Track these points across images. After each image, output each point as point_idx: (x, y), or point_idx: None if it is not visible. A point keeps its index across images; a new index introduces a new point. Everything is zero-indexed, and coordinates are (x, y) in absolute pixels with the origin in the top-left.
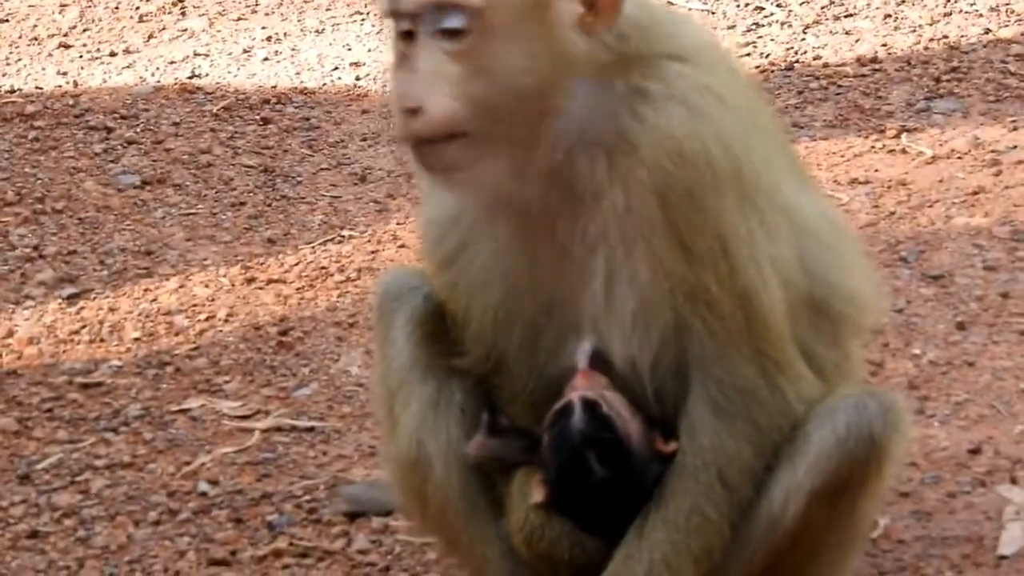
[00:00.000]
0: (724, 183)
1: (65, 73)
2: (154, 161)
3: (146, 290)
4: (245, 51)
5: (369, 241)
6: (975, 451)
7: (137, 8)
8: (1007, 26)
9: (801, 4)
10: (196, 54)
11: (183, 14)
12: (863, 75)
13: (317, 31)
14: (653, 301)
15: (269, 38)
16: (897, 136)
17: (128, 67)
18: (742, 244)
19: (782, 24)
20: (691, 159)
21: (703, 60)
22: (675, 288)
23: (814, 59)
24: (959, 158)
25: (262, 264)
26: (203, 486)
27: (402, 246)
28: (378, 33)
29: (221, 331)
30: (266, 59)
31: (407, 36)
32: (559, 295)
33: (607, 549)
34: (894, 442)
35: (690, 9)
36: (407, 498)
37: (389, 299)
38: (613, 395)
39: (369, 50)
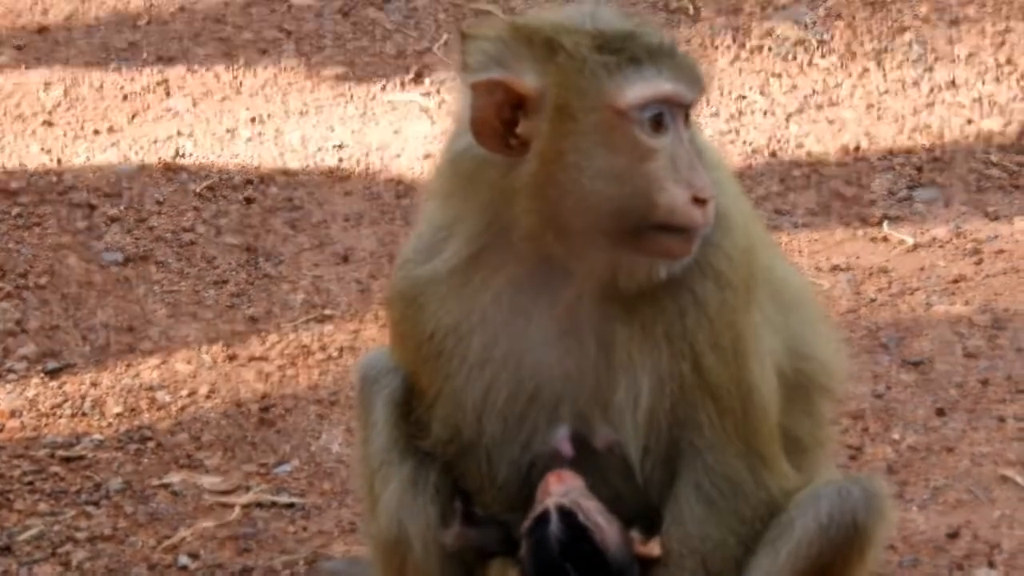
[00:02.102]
0: (747, 278)
1: (49, 151)
2: (137, 239)
3: (128, 366)
4: (229, 131)
5: (351, 320)
6: (953, 535)
7: (121, 87)
8: (989, 117)
9: (784, 93)
10: (180, 133)
11: (167, 94)
12: (845, 164)
13: (301, 112)
14: (665, 388)
15: (253, 119)
16: (879, 224)
17: (112, 145)
18: (750, 341)
19: (765, 112)
20: (738, 256)
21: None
22: (691, 379)
23: (797, 147)
24: (940, 247)
25: (244, 342)
26: (183, 559)
27: (384, 326)
28: (361, 115)
29: (203, 407)
30: (250, 139)
31: (657, 126)
32: (551, 379)
33: None
34: (877, 528)
35: None
36: None
37: (369, 380)
38: (589, 502)
39: (352, 132)
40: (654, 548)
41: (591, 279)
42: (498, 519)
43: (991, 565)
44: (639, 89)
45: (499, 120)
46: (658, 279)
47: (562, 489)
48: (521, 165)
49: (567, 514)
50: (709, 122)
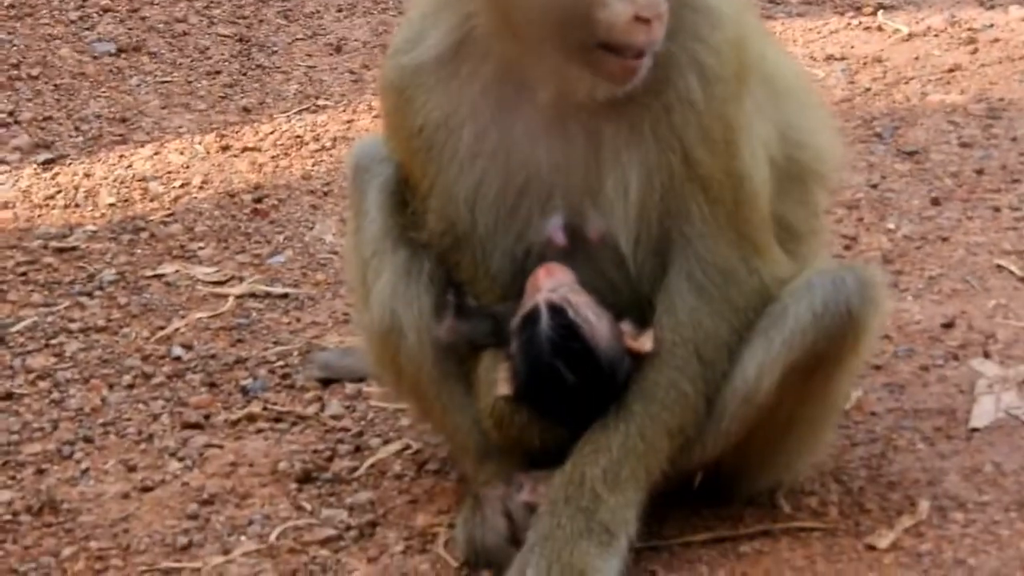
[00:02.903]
0: (737, 70)
1: None
2: (129, 29)
3: (121, 156)
4: None
5: (344, 111)
6: (948, 325)
7: None
8: None
9: None
10: None
11: None
12: None
13: None
14: (654, 181)
15: None
16: (873, 13)
17: None
18: (742, 131)
19: None
20: (728, 49)
21: None
22: (680, 171)
23: None
24: (935, 36)
25: (237, 132)
26: (177, 350)
27: (377, 116)
28: None
29: (196, 198)
30: None
31: None
32: (540, 172)
33: (577, 434)
34: (871, 317)
35: None
36: (380, 366)
37: (362, 169)
38: (579, 297)
39: None
40: (645, 343)
41: (551, 88)
42: (490, 311)
43: (986, 355)
44: None
45: None
46: (612, 97)
47: (552, 283)
48: None
49: (557, 311)
50: None
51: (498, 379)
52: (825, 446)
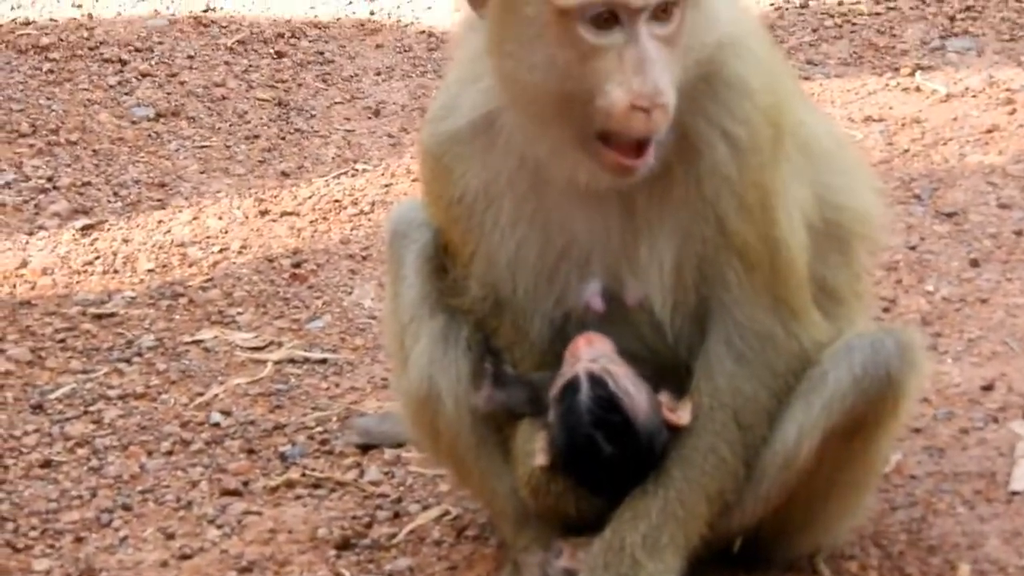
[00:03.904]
0: (772, 138)
1: (80, 5)
2: (168, 94)
3: (160, 222)
4: None
5: (383, 174)
6: (988, 387)
7: None
8: None
9: None
10: None
11: None
12: (878, 13)
13: None
14: (689, 249)
15: None
16: (912, 74)
17: (143, 0)
18: (778, 196)
19: None
20: (759, 119)
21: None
22: (715, 239)
23: None
24: (973, 96)
25: (276, 197)
26: (216, 417)
27: (415, 179)
28: None
29: (234, 263)
30: None
31: (605, 23)
32: (578, 239)
33: (615, 502)
34: (911, 380)
35: None
36: (419, 431)
37: (399, 234)
38: (619, 368)
39: None
40: (684, 415)
41: (562, 172)
42: (527, 379)
43: None
44: None
45: None
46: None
47: (592, 353)
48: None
49: (597, 382)
50: None
51: (535, 448)
52: (865, 510)
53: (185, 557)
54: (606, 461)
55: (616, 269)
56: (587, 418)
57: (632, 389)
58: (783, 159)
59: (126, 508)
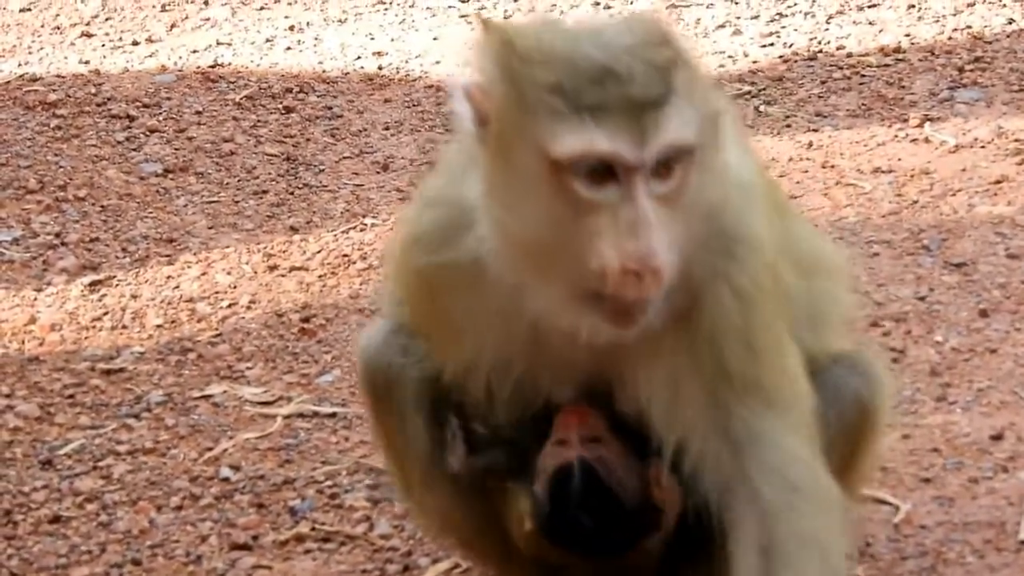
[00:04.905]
0: (774, 279)
1: (87, 62)
2: (176, 149)
3: (168, 277)
4: (268, 40)
5: (391, 229)
6: (997, 437)
7: None
8: None
9: None
10: (219, 43)
11: (206, 3)
12: (886, 65)
13: (340, 20)
14: (696, 389)
15: (292, 27)
16: (920, 125)
17: (150, 56)
18: (782, 332)
19: (805, 14)
20: (768, 269)
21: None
22: (724, 378)
23: (838, 49)
24: (982, 147)
25: (284, 252)
26: (225, 471)
27: None
28: (400, 23)
29: (243, 318)
30: (288, 48)
31: (601, 178)
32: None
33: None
34: (876, 398)
35: (713, 2)
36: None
37: (381, 376)
38: (611, 450)
39: (391, 39)
40: (673, 494)
41: (555, 323)
42: (503, 440)
43: None
44: (571, 143)
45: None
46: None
47: (583, 432)
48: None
49: (591, 472)
50: (750, 24)
51: (523, 512)
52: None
53: None
54: (592, 535)
55: (607, 390)
56: (577, 505)
57: (624, 475)
58: (780, 291)
59: (136, 563)
